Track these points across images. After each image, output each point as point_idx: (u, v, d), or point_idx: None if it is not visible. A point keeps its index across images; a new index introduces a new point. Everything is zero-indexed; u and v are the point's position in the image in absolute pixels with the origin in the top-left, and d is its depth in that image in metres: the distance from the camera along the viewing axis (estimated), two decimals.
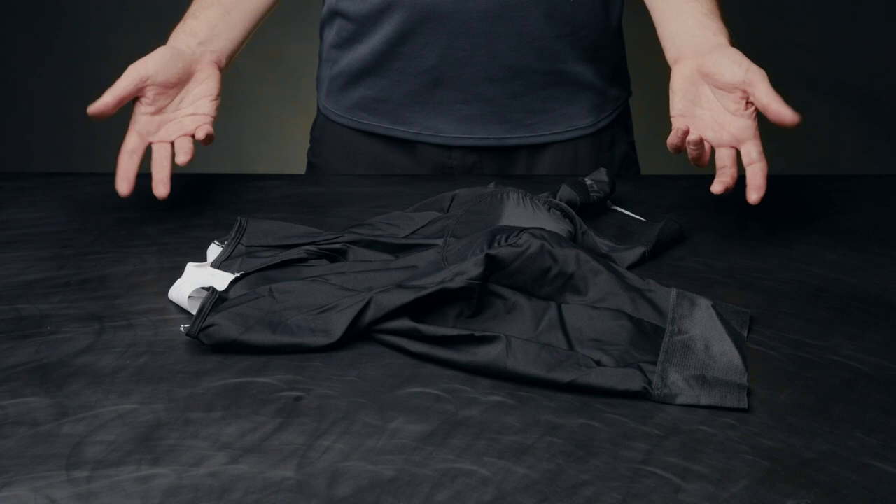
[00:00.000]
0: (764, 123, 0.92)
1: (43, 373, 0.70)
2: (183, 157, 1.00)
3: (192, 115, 1.04)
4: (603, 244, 0.93)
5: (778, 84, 0.91)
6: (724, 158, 0.93)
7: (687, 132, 0.92)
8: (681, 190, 1.18)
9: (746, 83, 0.93)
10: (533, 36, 1.16)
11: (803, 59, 2.78)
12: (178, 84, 1.04)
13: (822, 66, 2.79)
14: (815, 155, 2.79)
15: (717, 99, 0.96)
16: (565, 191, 0.99)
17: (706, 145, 0.93)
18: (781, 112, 0.89)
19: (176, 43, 1.07)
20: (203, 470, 0.59)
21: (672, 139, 0.93)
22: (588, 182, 1.03)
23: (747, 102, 0.94)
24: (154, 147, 1.01)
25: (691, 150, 0.92)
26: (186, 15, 1.11)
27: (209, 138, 1.03)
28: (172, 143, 1.02)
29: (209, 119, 1.05)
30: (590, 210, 1.00)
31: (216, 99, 1.06)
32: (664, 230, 0.96)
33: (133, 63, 1.01)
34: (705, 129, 0.95)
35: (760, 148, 0.93)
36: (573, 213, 0.94)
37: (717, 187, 0.92)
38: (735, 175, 0.93)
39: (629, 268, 0.89)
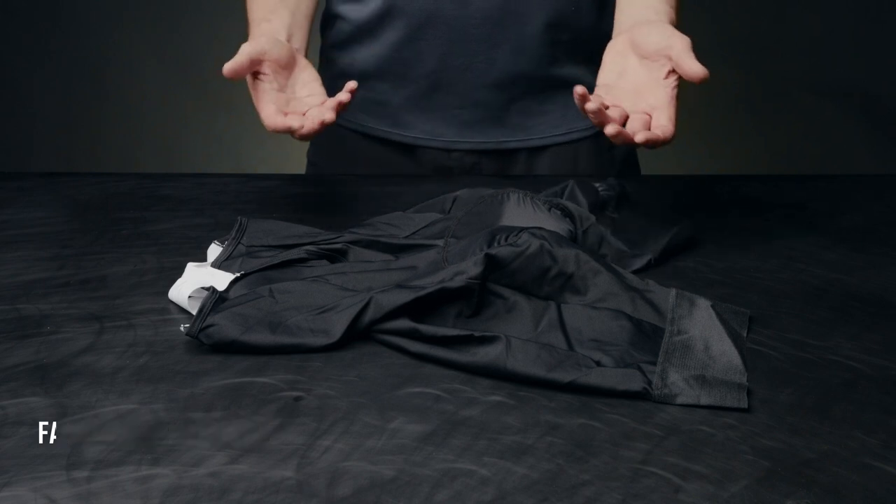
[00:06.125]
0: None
1: (43, 373, 0.70)
2: (330, 115, 0.96)
3: (309, 95, 1.02)
4: (617, 243, 0.92)
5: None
6: (634, 123, 0.90)
7: (602, 106, 0.90)
8: (681, 190, 1.18)
9: (667, 47, 0.92)
10: (532, 42, 1.16)
11: (803, 60, 2.78)
12: (287, 67, 1.02)
13: (822, 66, 2.79)
14: (815, 155, 2.79)
15: (641, 68, 0.95)
16: (574, 190, 0.99)
17: (617, 112, 0.91)
18: (692, 67, 0.89)
19: (269, 33, 1.05)
20: (203, 470, 0.59)
21: (589, 105, 0.89)
22: (597, 184, 1.03)
23: (669, 72, 0.92)
24: (289, 117, 0.98)
25: (591, 117, 0.89)
26: (258, 19, 1.09)
27: (342, 106, 0.99)
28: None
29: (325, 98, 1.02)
30: (603, 210, 1.00)
31: (322, 84, 1.04)
32: (676, 236, 0.95)
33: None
34: (624, 98, 0.93)
35: (671, 115, 0.91)
36: (573, 212, 0.94)
37: (610, 130, 0.88)
38: (634, 138, 0.89)
39: (633, 270, 0.89)
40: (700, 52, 0.92)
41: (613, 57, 0.97)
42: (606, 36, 1.21)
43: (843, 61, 2.79)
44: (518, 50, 1.16)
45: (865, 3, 2.76)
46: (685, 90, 0.94)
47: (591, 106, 0.87)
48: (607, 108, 0.90)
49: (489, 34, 1.15)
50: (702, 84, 0.91)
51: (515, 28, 1.15)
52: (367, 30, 1.20)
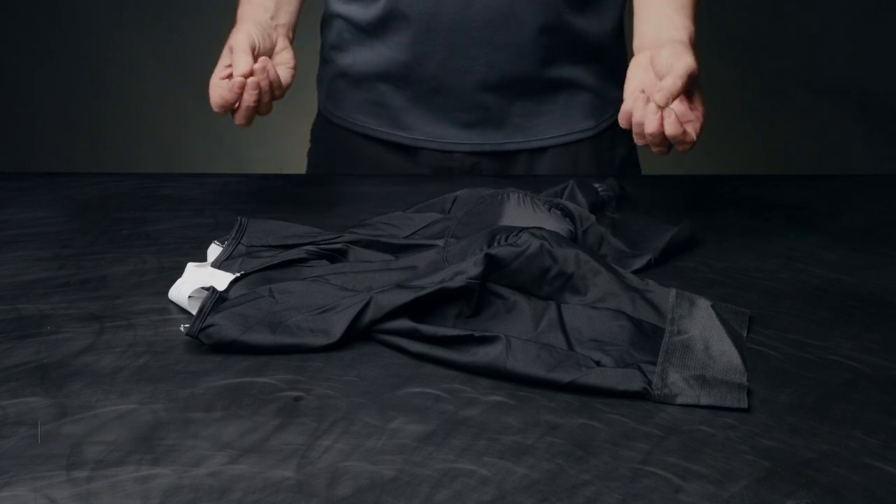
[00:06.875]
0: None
1: (43, 373, 0.70)
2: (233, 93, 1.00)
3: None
4: (617, 243, 0.92)
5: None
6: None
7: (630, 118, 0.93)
8: (682, 190, 1.18)
9: (669, 67, 0.92)
10: (532, 45, 1.16)
11: (803, 59, 2.78)
12: (268, 55, 1.05)
13: (820, 64, 2.79)
14: (812, 152, 2.79)
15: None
16: (574, 191, 0.99)
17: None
18: (663, 84, 0.89)
19: (253, 17, 1.07)
20: (203, 470, 0.59)
21: (623, 114, 0.93)
22: (597, 185, 1.03)
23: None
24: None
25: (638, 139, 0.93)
26: None
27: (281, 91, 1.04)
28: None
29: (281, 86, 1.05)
30: (602, 210, 1.00)
31: (293, 68, 1.07)
32: (676, 236, 0.95)
33: (233, 37, 1.02)
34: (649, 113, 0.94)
35: (696, 127, 0.93)
36: (573, 212, 0.94)
37: (639, 140, 0.93)
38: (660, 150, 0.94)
39: (633, 270, 0.89)
40: (698, 50, 0.92)
41: (636, 71, 0.97)
42: (605, 35, 1.22)
43: (840, 59, 2.79)
44: (518, 52, 1.16)
45: (864, 2, 2.76)
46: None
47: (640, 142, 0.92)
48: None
49: (490, 37, 1.15)
50: (699, 81, 0.92)
51: (516, 30, 1.15)
52: (369, 32, 1.20)
